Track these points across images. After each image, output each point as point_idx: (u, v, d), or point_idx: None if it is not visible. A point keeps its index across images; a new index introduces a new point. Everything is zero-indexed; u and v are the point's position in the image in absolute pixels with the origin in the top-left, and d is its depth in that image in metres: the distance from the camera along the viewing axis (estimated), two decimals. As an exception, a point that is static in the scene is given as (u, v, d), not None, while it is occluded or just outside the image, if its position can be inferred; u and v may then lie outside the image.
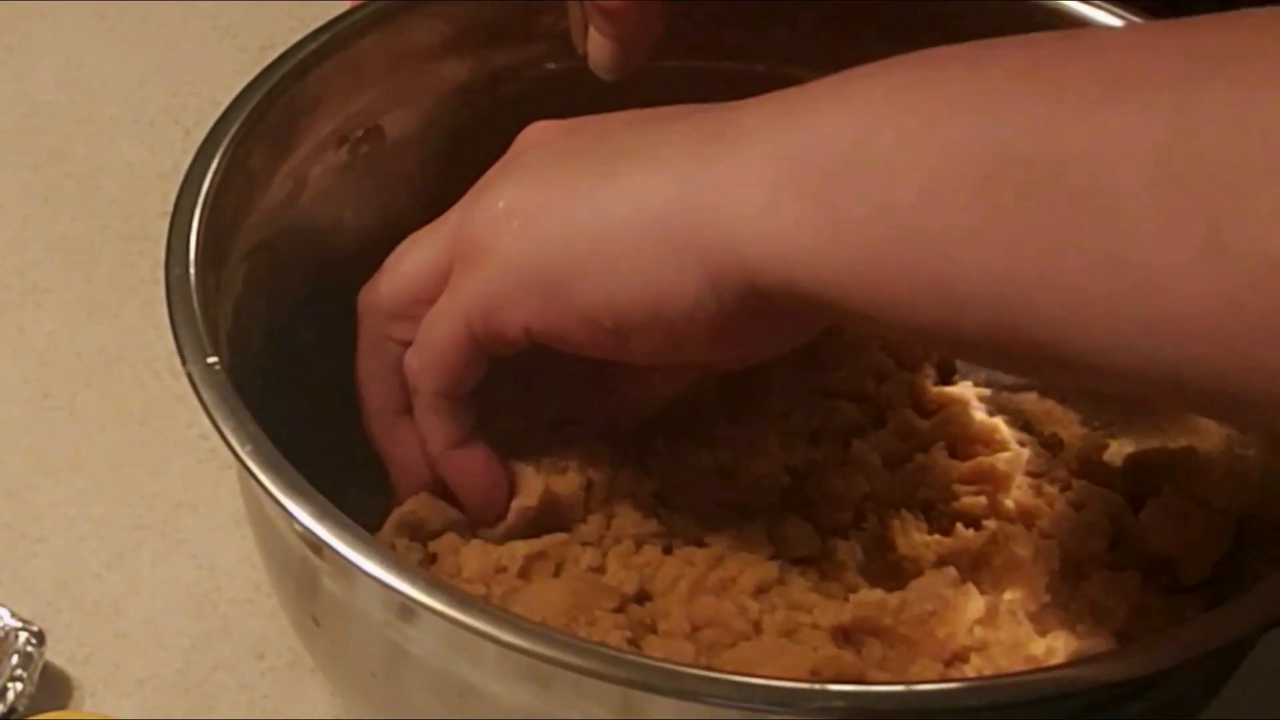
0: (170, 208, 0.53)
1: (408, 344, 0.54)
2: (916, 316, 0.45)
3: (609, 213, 0.49)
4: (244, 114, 0.56)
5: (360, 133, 0.61)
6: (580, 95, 0.65)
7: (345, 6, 0.60)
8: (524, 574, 0.53)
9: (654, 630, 0.53)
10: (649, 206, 0.49)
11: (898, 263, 0.44)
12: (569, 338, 0.51)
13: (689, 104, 0.52)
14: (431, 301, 0.53)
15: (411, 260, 0.54)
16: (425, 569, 0.53)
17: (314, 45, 0.59)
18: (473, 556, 0.53)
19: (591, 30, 0.60)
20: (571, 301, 0.50)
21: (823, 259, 0.45)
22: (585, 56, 0.61)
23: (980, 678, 0.51)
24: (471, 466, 0.55)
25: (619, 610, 0.52)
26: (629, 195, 0.49)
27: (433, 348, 0.53)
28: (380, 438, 0.56)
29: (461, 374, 0.53)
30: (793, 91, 0.48)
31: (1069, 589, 0.56)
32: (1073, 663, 0.44)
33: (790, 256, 0.46)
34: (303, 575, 0.50)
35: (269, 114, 0.56)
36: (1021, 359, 0.45)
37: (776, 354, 0.55)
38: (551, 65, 0.65)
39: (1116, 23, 0.61)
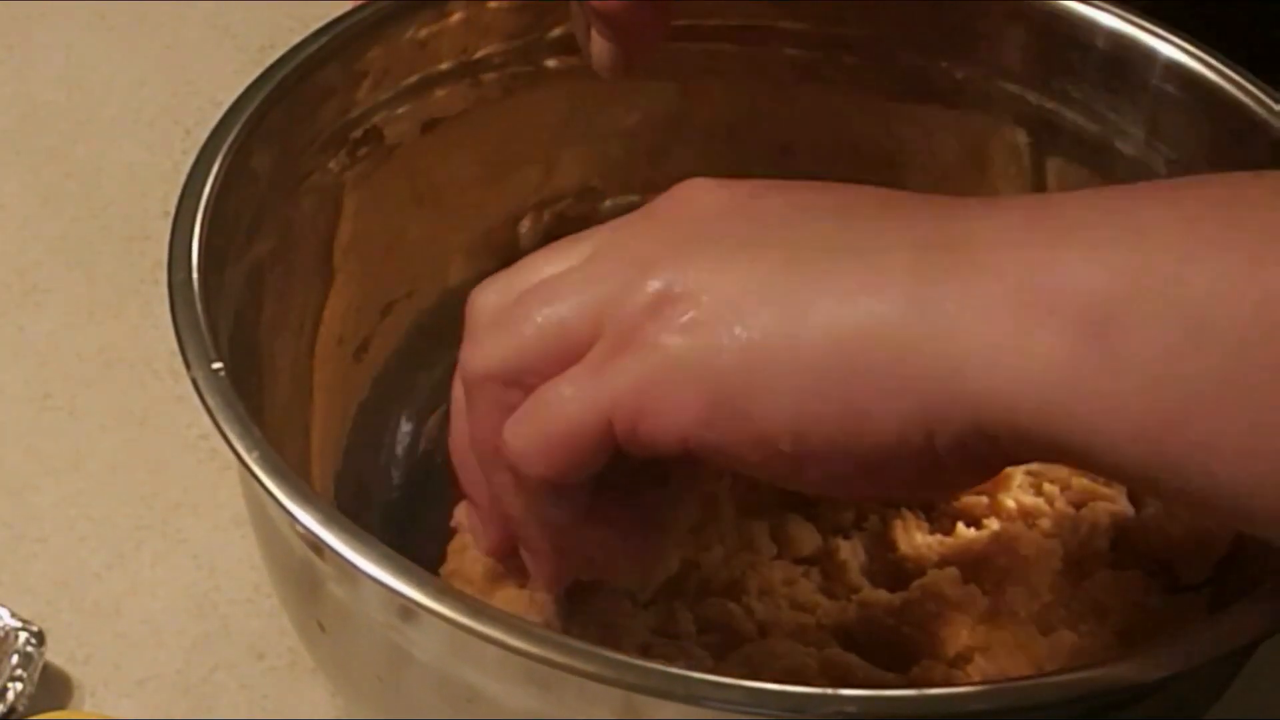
0: (170, 208, 0.53)
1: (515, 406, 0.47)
2: (1223, 488, 0.39)
3: (808, 321, 0.43)
4: (244, 116, 0.56)
5: (360, 134, 0.61)
6: (582, 94, 0.65)
7: (345, 7, 0.60)
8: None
9: (660, 633, 0.53)
10: (858, 321, 0.42)
11: (1202, 430, 0.39)
12: (734, 455, 0.44)
13: (900, 191, 0.46)
14: (556, 371, 0.46)
15: (543, 322, 0.46)
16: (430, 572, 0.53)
17: (314, 46, 0.59)
18: (477, 560, 0.53)
19: (593, 31, 0.60)
20: (748, 417, 0.43)
21: (1092, 407, 0.40)
22: (588, 57, 0.61)
23: (989, 682, 0.51)
24: (596, 546, 0.48)
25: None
26: (834, 304, 0.43)
27: (550, 431, 0.45)
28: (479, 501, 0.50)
29: (578, 468, 0.46)
30: (1032, 203, 0.43)
31: (1070, 589, 0.56)
32: (1080, 667, 0.44)
33: (1043, 398, 0.40)
34: (307, 580, 0.50)
35: (269, 116, 0.56)
36: None
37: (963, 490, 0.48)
38: (553, 64, 0.65)
39: (1116, 23, 0.61)
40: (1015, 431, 0.41)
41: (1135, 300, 0.39)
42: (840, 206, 0.46)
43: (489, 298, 0.48)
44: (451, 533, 0.57)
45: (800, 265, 0.44)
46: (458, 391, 0.49)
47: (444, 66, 0.63)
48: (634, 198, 0.67)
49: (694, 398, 0.43)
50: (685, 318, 0.44)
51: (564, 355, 0.46)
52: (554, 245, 0.49)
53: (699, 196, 0.47)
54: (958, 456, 0.42)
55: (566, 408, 0.45)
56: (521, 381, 0.46)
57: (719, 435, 0.44)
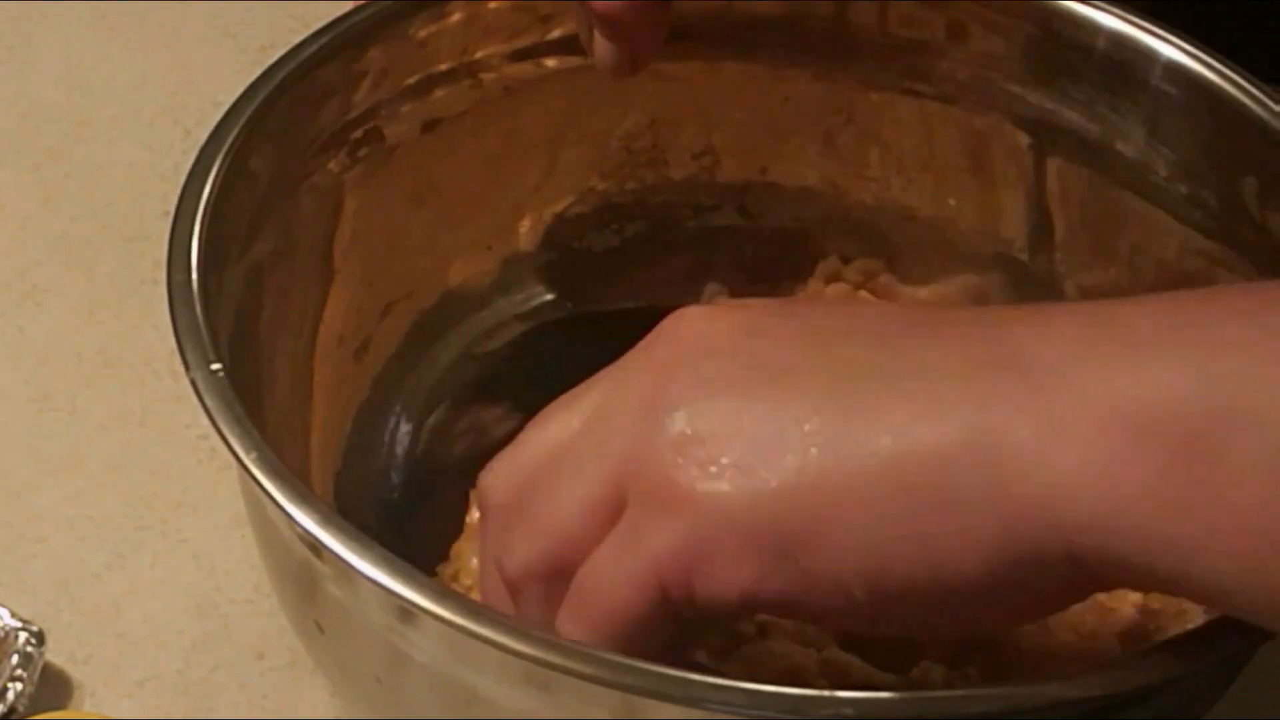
0: (170, 208, 0.53)
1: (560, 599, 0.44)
2: None
3: (867, 451, 0.40)
4: (244, 117, 0.56)
5: (360, 134, 0.61)
6: (582, 94, 0.65)
7: (346, 7, 0.60)
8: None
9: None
10: (926, 447, 0.39)
11: None
12: (802, 606, 0.41)
13: (917, 310, 0.44)
14: (591, 548, 0.43)
15: (561, 504, 0.43)
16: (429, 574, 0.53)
17: (314, 46, 0.58)
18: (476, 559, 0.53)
19: (596, 32, 0.60)
20: (814, 565, 0.40)
21: (1192, 530, 0.38)
22: (592, 57, 0.61)
23: (988, 684, 0.51)
24: None
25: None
26: (893, 436, 0.40)
27: (607, 614, 0.43)
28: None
29: (649, 641, 0.43)
30: (1083, 317, 0.41)
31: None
32: (1080, 668, 0.44)
33: (1139, 523, 0.38)
34: (305, 580, 0.50)
35: (269, 116, 0.56)
36: None
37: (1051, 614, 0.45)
38: (553, 64, 0.65)
39: (1116, 24, 0.61)
40: (1110, 557, 0.39)
41: (1227, 420, 0.37)
42: (864, 330, 0.43)
43: (499, 479, 0.46)
44: (454, 532, 0.58)
45: (840, 396, 0.41)
46: (492, 583, 0.46)
47: (444, 67, 0.63)
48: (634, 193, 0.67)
49: (746, 551, 0.41)
50: (717, 462, 0.41)
51: (601, 529, 0.43)
52: (553, 405, 0.46)
53: (699, 327, 0.44)
54: (1047, 584, 0.40)
55: (613, 589, 0.42)
56: (565, 571, 0.44)
57: (782, 588, 0.41)
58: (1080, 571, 0.40)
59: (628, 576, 0.42)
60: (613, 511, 0.43)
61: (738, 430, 0.41)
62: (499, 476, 0.46)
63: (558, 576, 0.44)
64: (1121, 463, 0.38)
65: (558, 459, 0.44)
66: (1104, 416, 0.38)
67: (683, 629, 0.44)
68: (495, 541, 0.46)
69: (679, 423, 0.42)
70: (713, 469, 0.41)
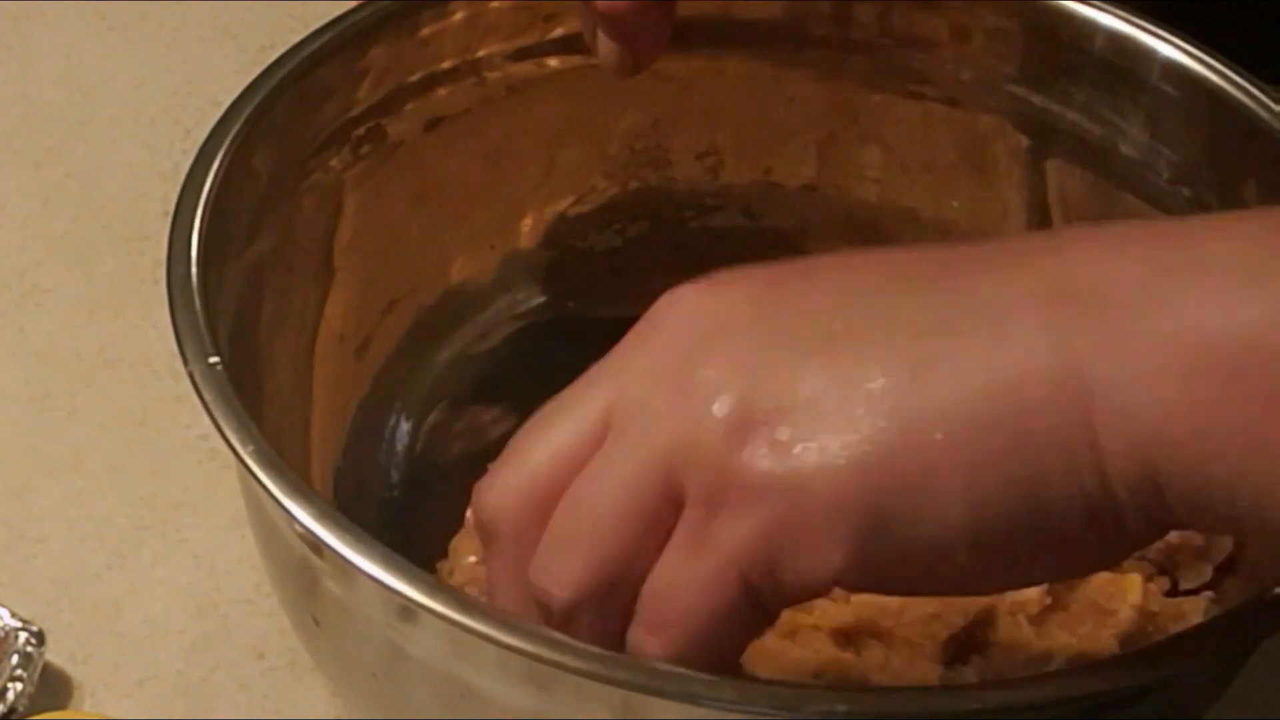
0: (170, 208, 0.53)
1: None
2: None
3: (947, 400, 0.37)
4: (245, 114, 0.56)
5: (362, 132, 0.61)
6: (583, 94, 0.65)
7: (346, 7, 0.60)
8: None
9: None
10: (1007, 389, 0.37)
11: None
12: (899, 579, 0.39)
13: (941, 250, 0.41)
14: (648, 556, 0.40)
15: (605, 514, 0.40)
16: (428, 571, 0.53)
17: (315, 45, 0.59)
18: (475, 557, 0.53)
19: (600, 32, 0.60)
20: (915, 530, 0.38)
21: (1270, 457, 0.36)
22: (596, 56, 0.61)
23: (983, 683, 0.51)
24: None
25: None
26: (968, 375, 0.38)
27: (689, 622, 0.40)
28: None
29: (736, 639, 0.41)
30: (1149, 239, 0.39)
31: (1069, 591, 0.56)
32: (1079, 667, 0.44)
33: (1229, 460, 0.37)
34: (303, 576, 0.50)
35: (270, 114, 0.56)
36: None
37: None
38: (554, 64, 0.65)
39: (1116, 24, 0.61)
40: (1195, 488, 0.38)
41: None
42: (899, 279, 0.40)
43: (507, 499, 0.42)
44: (453, 530, 0.58)
45: (900, 348, 0.38)
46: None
47: (446, 65, 0.63)
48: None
49: (837, 530, 0.38)
50: (781, 440, 0.38)
51: (656, 534, 0.40)
52: (545, 411, 0.43)
53: (705, 305, 0.41)
54: (1136, 519, 0.39)
55: (692, 593, 0.40)
56: (621, 585, 0.41)
57: (880, 560, 0.38)
58: (1165, 505, 0.38)
59: (705, 577, 0.39)
60: (665, 512, 0.40)
61: (796, 402, 0.38)
62: (506, 495, 0.43)
63: (613, 594, 0.41)
64: (1206, 399, 0.37)
65: (579, 467, 0.41)
66: (1185, 353, 0.37)
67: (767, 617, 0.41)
68: (517, 567, 0.42)
69: (726, 405, 0.39)
70: (779, 448, 0.38)
